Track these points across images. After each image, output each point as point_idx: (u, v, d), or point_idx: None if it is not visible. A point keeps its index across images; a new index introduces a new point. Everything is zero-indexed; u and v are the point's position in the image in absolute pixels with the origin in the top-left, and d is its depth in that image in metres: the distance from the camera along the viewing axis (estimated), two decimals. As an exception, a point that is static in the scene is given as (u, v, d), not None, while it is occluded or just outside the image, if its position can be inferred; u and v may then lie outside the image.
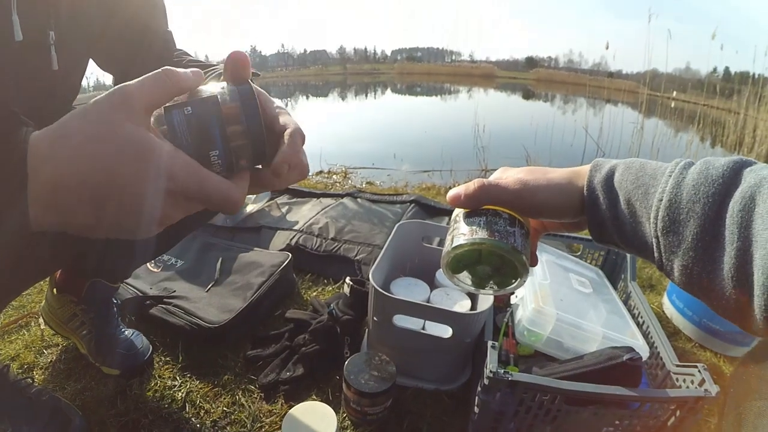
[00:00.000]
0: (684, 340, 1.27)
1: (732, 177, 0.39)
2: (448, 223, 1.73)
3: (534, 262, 0.55)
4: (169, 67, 0.35)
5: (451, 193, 0.52)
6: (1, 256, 0.34)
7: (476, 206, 0.51)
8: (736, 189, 0.38)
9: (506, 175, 0.53)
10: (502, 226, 0.48)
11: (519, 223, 0.50)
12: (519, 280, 0.49)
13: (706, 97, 5.24)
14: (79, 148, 0.31)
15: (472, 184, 0.52)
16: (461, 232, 0.49)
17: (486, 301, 0.96)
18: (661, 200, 0.42)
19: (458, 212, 0.54)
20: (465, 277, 0.52)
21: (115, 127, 0.32)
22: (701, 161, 0.43)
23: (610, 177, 0.48)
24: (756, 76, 4.31)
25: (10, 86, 0.60)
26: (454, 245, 0.49)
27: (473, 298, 1.12)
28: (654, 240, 0.43)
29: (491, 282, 0.52)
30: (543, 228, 0.58)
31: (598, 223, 0.49)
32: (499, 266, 0.50)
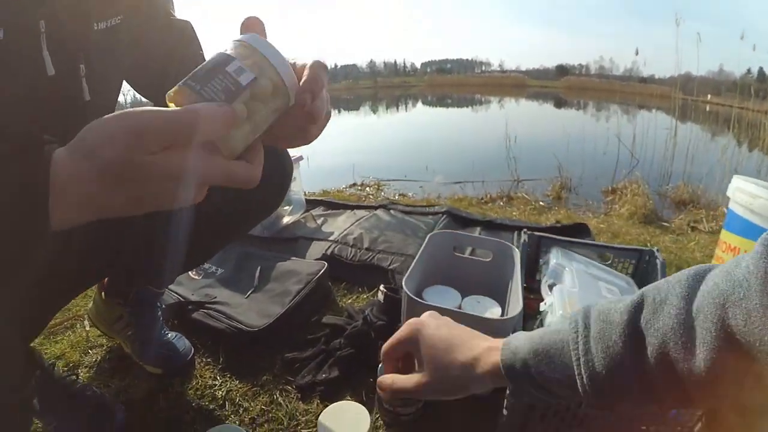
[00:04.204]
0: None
1: (634, 343, 0.46)
2: (479, 233, 1.76)
3: None
4: (193, 108, 0.38)
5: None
6: (27, 268, 0.38)
7: None
8: (646, 353, 0.45)
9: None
10: None
11: None
12: None
13: (740, 99, 5.08)
14: (104, 175, 0.35)
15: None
16: None
17: (515, 307, 0.98)
18: (587, 391, 0.49)
19: None
20: None
21: (134, 164, 0.35)
22: (594, 332, 0.50)
23: (526, 370, 0.54)
24: (793, 75, 4.17)
25: (43, 116, 0.63)
26: None
27: (503, 305, 1.15)
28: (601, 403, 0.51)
29: None
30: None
31: (529, 396, 0.57)
32: None
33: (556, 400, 0.55)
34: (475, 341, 0.62)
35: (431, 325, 0.66)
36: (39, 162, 0.35)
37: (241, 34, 0.45)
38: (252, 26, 0.46)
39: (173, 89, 0.40)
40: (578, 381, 0.49)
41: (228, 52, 0.42)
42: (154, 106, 0.81)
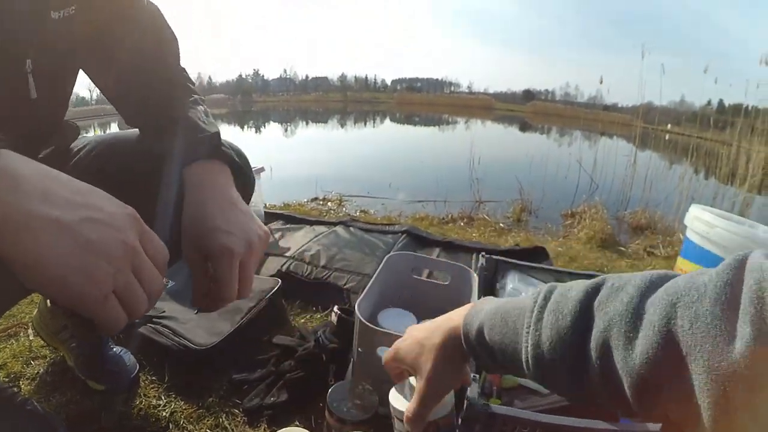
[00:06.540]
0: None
1: (583, 322, 0.45)
2: (438, 255, 1.75)
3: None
4: None
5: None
6: None
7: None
8: (590, 334, 0.44)
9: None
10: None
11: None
12: None
13: (700, 129, 5.26)
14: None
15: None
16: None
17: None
18: (527, 359, 0.49)
19: None
20: None
21: None
22: (551, 303, 0.49)
23: (480, 334, 0.55)
24: (749, 108, 4.34)
25: None
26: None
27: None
28: (537, 379, 0.50)
29: None
30: None
31: (485, 368, 0.67)
32: None
33: (504, 372, 0.62)
34: (455, 313, 0.62)
35: (409, 334, 0.67)
36: None
37: None
38: None
39: None
40: (523, 349, 0.50)
41: None
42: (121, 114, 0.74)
